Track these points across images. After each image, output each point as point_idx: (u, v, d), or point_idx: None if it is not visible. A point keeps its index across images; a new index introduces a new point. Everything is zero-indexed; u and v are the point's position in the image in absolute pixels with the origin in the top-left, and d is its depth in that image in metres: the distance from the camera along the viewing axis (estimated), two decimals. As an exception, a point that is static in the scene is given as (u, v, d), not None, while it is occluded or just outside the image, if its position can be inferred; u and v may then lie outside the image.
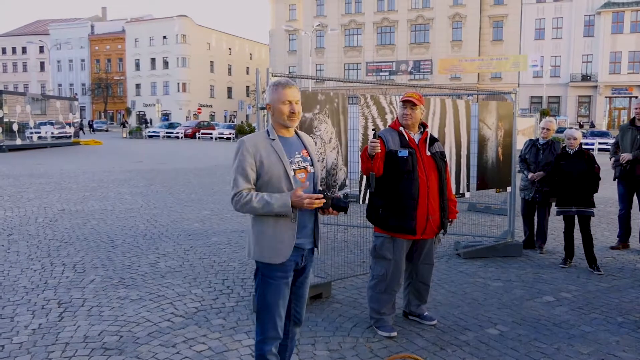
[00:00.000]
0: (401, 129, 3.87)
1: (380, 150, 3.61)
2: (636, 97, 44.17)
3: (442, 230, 3.93)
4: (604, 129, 40.90)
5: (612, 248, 6.73)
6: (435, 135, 5.48)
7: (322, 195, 2.57)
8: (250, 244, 2.69)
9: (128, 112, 63.81)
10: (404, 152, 3.76)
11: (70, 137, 30.18)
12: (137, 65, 71.59)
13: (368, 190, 3.89)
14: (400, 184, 3.74)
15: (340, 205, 2.64)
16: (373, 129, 3.72)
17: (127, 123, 47.78)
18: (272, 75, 4.06)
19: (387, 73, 54.38)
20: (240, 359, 3.49)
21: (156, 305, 4.50)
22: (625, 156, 6.38)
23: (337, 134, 4.59)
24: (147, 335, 3.85)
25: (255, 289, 2.72)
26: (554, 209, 6.30)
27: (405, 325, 4.10)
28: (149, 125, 52.42)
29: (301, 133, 2.82)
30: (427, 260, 4.10)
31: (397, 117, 3.97)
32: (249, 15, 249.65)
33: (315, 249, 2.82)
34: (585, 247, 5.79)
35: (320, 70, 56.35)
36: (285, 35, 59.13)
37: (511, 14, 49.78)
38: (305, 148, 2.75)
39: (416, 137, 3.91)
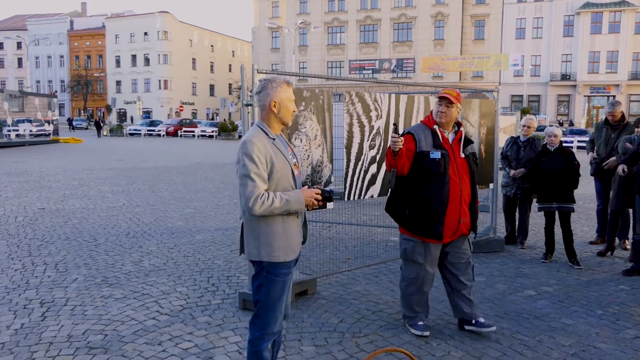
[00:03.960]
0: (435, 127, 3.66)
1: (402, 146, 3.42)
2: (614, 96, 45.01)
3: (473, 234, 3.86)
4: (582, 127, 41.60)
5: (591, 243, 6.87)
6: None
7: (320, 190, 2.64)
8: (256, 246, 2.62)
9: (108, 109, 62.94)
10: (436, 154, 3.55)
11: (49, 134, 29.71)
12: (118, 62, 70.74)
13: (389, 186, 3.77)
14: (431, 186, 3.55)
15: (325, 196, 2.69)
16: (394, 124, 3.51)
17: (104, 122, 46.60)
18: (258, 72, 4.05)
19: (370, 71, 54.55)
20: (228, 355, 3.50)
21: (141, 303, 4.47)
22: (611, 163, 6.44)
23: (323, 131, 4.60)
24: (133, 333, 3.83)
25: (257, 288, 2.68)
26: (535, 205, 6.41)
27: (389, 321, 4.14)
28: (108, 123, 50.95)
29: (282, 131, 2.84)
30: (464, 258, 3.85)
31: (430, 113, 3.75)
32: (232, 13, 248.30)
33: (304, 240, 2.85)
34: (565, 242, 5.90)
35: (303, 68, 56.29)
36: (268, 32, 58.97)
37: (493, 13, 50.31)
38: (289, 145, 2.79)
39: (450, 136, 3.69)
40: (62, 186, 11.93)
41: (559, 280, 5.28)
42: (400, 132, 3.77)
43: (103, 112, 65.68)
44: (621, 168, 5.48)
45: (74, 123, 53.68)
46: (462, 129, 3.77)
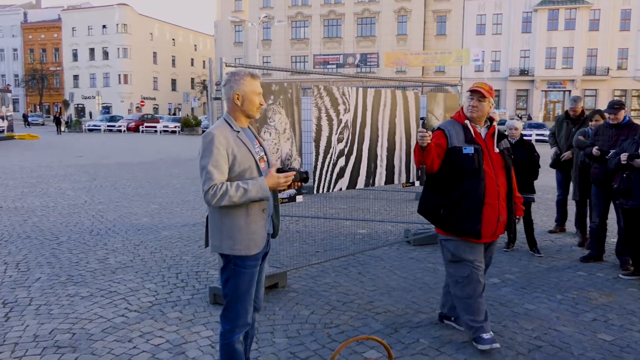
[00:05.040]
0: (466, 122, 3.50)
1: (430, 141, 3.28)
2: (569, 91, 46.56)
3: (512, 235, 3.79)
4: (540, 121, 42.88)
5: (551, 232, 7.13)
6: (386, 126, 5.63)
7: (293, 172, 2.59)
8: (219, 238, 2.62)
9: (66, 104, 60.99)
10: (469, 149, 3.39)
11: (3, 131, 28.60)
12: (75, 56, 68.58)
13: (420, 183, 3.68)
14: (465, 183, 3.39)
15: (303, 177, 2.70)
16: (422, 118, 3.38)
17: (63, 118, 45.13)
18: (227, 66, 4.03)
19: (334, 66, 54.62)
20: (200, 350, 3.49)
21: (108, 301, 4.40)
22: (567, 155, 6.70)
23: (291, 124, 4.62)
24: (102, 331, 3.77)
25: (225, 281, 2.67)
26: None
27: (359, 311, 4.20)
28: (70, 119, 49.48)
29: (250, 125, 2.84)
30: (488, 261, 3.76)
31: (461, 108, 3.60)
32: (193, 6, 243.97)
33: (275, 233, 2.86)
34: (526, 232, 6.10)
35: (267, 62, 55.88)
36: (231, 26, 58.23)
37: (454, 9, 51.12)
38: (257, 139, 2.78)
39: (482, 131, 3.54)
40: (20, 184, 11.54)
41: (521, 268, 5.47)
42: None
43: (60, 108, 63.60)
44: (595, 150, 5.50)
45: (30, 119, 51.76)
46: (494, 123, 3.61)
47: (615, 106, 5.49)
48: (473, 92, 3.48)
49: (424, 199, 3.65)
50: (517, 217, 3.67)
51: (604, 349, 3.56)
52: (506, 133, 6.28)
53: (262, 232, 2.64)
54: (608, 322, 4.04)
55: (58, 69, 68.72)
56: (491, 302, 4.42)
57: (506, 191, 3.52)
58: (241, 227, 2.58)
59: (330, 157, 5.02)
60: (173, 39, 73.38)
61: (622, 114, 5.49)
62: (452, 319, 3.89)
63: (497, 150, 3.52)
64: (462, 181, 3.40)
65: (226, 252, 2.61)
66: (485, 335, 3.47)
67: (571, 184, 6.77)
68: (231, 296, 2.67)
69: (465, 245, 3.49)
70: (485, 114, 3.52)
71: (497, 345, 3.46)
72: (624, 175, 4.87)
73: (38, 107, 68.43)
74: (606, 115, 5.70)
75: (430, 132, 3.33)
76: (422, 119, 3.53)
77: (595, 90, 47.33)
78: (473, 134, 3.47)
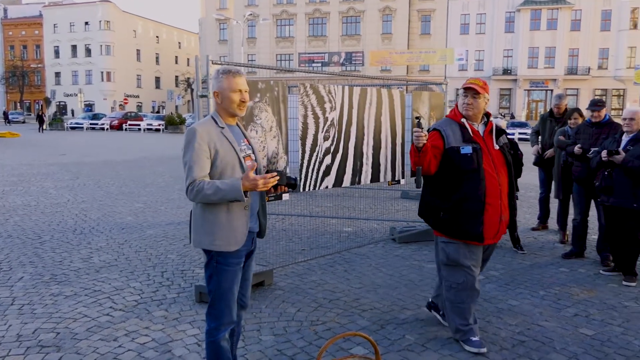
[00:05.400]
0: (463, 120, 3.39)
1: (427, 141, 3.18)
2: (551, 90, 47.16)
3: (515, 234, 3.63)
4: (523, 119, 43.39)
5: (533, 229, 7.23)
6: (372, 124, 5.65)
7: (275, 173, 2.54)
8: (200, 233, 2.63)
9: (47, 102, 60.08)
10: (467, 149, 3.28)
11: (-17, 128, 28.09)
12: (57, 53, 67.65)
13: (416, 186, 3.58)
14: (465, 184, 3.28)
15: (291, 183, 2.69)
16: (417, 117, 3.28)
17: (45, 116, 44.37)
18: (213, 63, 4.01)
19: (319, 64, 54.64)
20: (186, 348, 3.48)
21: (93, 300, 4.36)
22: (550, 153, 6.80)
23: (278, 122, 4.62)
24: (86, 330, 3.74)
25: (208, 278, 2.68)
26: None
27: (346, 308, 4.23)
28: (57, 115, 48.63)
29: (239, 122, 2.84)
30: (486, 257, 3.72)
31: (455, 106, 3.49)
32: (178, 3, 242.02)
33: (260, 236, 2.86)
34: (509, 229, 6.18)
35: (252, 60, 55.67)
36: (216, 24, 57.91)
37: (438, 8, 51.44)
38: (246, 137, 2.78)
39: (480, 128, 3.42)
40: (0, 182, 11.35)
41: (504, 265, 5.54)
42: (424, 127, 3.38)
43: (41, 105, 62.65)
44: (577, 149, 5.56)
45: (10, 116, 50.90)
46: (491, 119, 3.50)
47: (598, 104, 5.59)
48: (467, 89, 3.38)
49: (422, 201, 3.56)
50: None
51: (585, 343, 3.63)
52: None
53: (243, 229, 2.63)
54: (589, 317, 4.11)
55: (39, 65, 67.71)
56: (475, 299, 4.47)
57: (508, 189, 3.42)
58: (222, 223, 2.59)
59: (317, 155, 5.03)
60: (157, 37, 72.72)
61: (603, 112, 5.59)
62: (441, 312, 3.87)
63: (496, 147, 3.41)
64: (461, 182, 3.29)
65: (207, 247, 2.62)
66: (474, 338, 3.46)
67: (553, 183, 6.87)
68: (214, 294, 2.67)
69: (465, 249, 3.40)
70: (482, 111, 3.42)
71: (484, 349, 3.43)
72: (606, 173, 4.96)
73: (19, 104, 67.32)
74: (587, 113, 5.80)
75: (426, 132, 3.23)
76: (417, 117, 3.46)
77: (577, 89, 48.03)
78: (471, 132, 3.36)
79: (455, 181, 3.31)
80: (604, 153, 4.86)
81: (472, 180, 3.27)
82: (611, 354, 3.47)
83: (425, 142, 3.16)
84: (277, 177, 2.51)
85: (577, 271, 5.34)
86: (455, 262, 3.43)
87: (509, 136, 6.22)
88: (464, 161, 3.27)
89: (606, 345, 3.62)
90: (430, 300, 4.04)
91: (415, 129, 3.16)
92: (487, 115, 3.49)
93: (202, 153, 2.52)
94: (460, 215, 3.30)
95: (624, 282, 4.92)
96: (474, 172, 3.27)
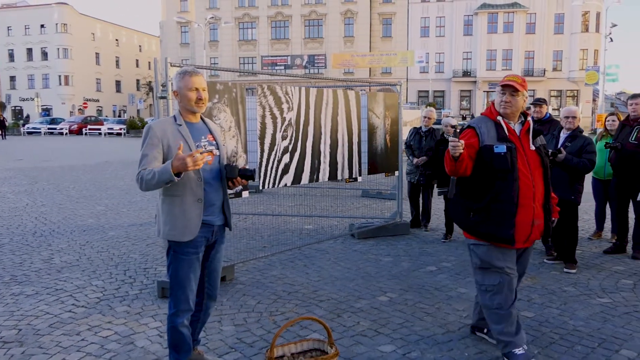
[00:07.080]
0: (499, 118, 3.22)
1: (463, 150, 3.04)
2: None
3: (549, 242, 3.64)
4: (482, 120, 44.50)
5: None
6: (328, 123, 5.87)
7: (204, 151, 2.62)
8: (160, 224, 2.82)
9: (2, 106, 58.12)
10: (501, 148, 3.10)
11: None
12: (11, 56, 65.56)
13: (448, 196, 3.41)
14: (497, 184, 3.12)
15: (247, 175, 2.85)
16: (453, 126, 2.97)
17: (5, 120, 42.87)
18: (172, 66, 4.14)
19: (282, 67, 54.73)
20: (149, 339, 3.59)
21: (55, 298, 4.41)
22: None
23: (236, 122, 4.78)
24: (48, 326, 3.80)
25: (168, 266, 2.86)
26: (436, 189, 6.97)
27: (304, 299, 4.41)
28: (21, 119, 47.34)
29: (207, 119, 2.99)
30: (523, 269, 3.50)
31: (492, 104, 3.33)
32: (137, 5, 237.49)
33: (227, 227, 3.01)
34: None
35: (214, 63, 55.28)
36: (177, 27, 57.27)
37: (399, 12, 52.36)
38: (211, 133, 2.93)
39: (517, 127, 3.25)
40: (-45, 188, 11.07)
41: (456, 257, 5.83)
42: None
43: (-3, 110, 60.54)
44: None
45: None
46: (529, 118, 3.32)
47: (540, 100, 5.99)
48: (505, 86, 3.20)
49: (453, 202, 3.45)
50: (553, 218, 3.40)
51: (524, 324, 3.90)
52: (443, 130, 6.68)
53: (196, 221, 2.79)
54: (531, 301, 4.42)
55: (-8, 69, 65.41)
56: (427, 288, 4.74)
57: (543, 192, 3.24)
58: (176, 214, 2.76)
59: (275, 154, 5.21)
60: (116, 40, 71.32)
61: (544, 109, 5.98)
62: (485, 330, 3.64)
63: (532, 147, 3.24)
64: (493, 182, 3.13)
65: (164, 237, 2.80)
66: (518, 351, 3.20)
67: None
68: (172, 281, 2.85)
69: (496, 251, 3.22)
70: (520, 109, 3.24)
71: None
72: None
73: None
74: (530, 111, 6.19)
75: (462, 142, 3.05)
76: (453, 127, 3.29)
77: (533, 90, 49.63)
78: (506, 131, 3.19)
79: (487, 181, 3.16)
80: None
81: (504, 181, 3.11)
82: (547, 333, 3.77)
83: (462, 151, 3.04)
84: (206, 154, 2.62)
85: (523, 260, 5.67)
86: (487, 264, 3.26)
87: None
88: (497, 160, 3.10)
89: (544, 325, 3.91)
90: (470, 324, 3.83)
91: (451, 138, 3.06)
92: (525, 114, 3.33)
93: (153, 147, 2.70)
94: (491, 217, 3.15)
95: (565, 270, 5.28)
96: (508, 173, 3.10)
